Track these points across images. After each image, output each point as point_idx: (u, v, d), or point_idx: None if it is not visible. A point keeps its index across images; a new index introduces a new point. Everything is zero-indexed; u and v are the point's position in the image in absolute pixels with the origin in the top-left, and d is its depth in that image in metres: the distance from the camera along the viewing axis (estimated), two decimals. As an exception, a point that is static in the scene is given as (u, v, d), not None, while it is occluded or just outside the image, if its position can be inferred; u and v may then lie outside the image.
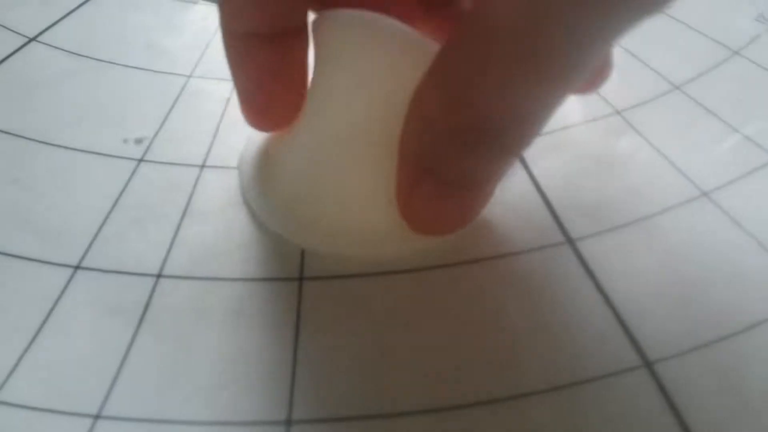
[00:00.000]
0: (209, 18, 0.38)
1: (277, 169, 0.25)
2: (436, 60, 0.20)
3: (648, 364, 0.20)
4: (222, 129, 0.29)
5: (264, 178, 0.26)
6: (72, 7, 0.37)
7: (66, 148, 0.28)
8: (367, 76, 0.23)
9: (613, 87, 0.26)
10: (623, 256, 0.24)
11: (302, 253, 0.24)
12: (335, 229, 0.24)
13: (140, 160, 0.27)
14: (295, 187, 0.25)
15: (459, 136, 0.20)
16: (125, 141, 0.28)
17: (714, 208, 0.25)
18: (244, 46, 0.23)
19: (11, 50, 0.33)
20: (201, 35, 0.36)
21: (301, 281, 0.23)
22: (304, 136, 0.24)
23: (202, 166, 0.28)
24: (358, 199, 0.24)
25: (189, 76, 0.33)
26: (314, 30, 0.24)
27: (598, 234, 0.25)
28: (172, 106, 0.30)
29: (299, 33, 0.24)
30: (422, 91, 0.20)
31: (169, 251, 0.24)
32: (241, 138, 0.29)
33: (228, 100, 0.31)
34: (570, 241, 0.24)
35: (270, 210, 0.25)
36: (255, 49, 0.23)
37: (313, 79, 0.24)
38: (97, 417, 0.19)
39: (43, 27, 0.35)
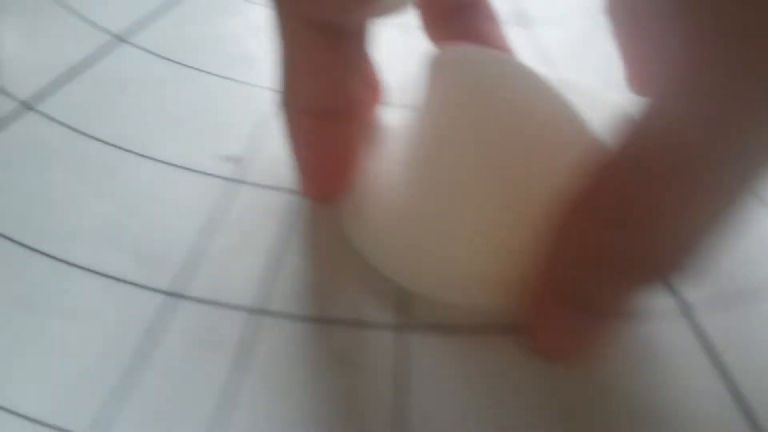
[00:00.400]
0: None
1: (385, 208, 0.24)
2: (593, 181, 0.18)
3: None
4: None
5: (370, 216, 0.25)
6: (161, 9, 0.36)
7: (158, 161, 0.27)
8: (489, 119, 0.22)
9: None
10: (742, 327, 0.22)
11: (406, 298, 0.23)
12: (443, 274, 0.23)
13: (235, 180, 0.27)
14: (404, 228, 0.24)
15: (617, 269, 0.19)
16: (219, 157, 0.28)
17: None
18: (303, 121, 0.24)
19: (101, 50, 0.33)
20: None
21: (403, 329, 0.22)
22: (418, 174, 0.24)
23: (297, 192, 0.27)
24: (470, 247, 0.23)
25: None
26: (432, 67, 0.23)
27: (714, 302, 0.23)
28: (265, 124, 0.30)
29: (354, 107, 0.24)
30: (577, 215, 0.19)
31: (266, 284, 0.23)
32: None
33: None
34: (685, 309, 0.23)
35: (376, 249, 0.24)
36: (316, 124, 0.24)
37: (423, 117, 0.24)
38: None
39: (134, 28, 0.35)
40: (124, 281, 0.23)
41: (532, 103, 0.22)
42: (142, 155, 0.28)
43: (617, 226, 0.18)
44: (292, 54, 0.23)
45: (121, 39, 0.34)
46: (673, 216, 0.17)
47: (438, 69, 0.23)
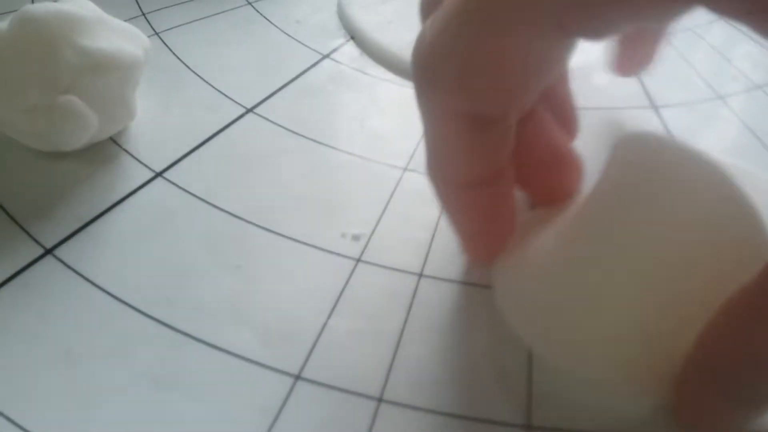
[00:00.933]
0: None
1: (543, 283, 0.24)
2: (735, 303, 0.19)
3: None
4: (438, 234, 0.28)
5: (527, 292, 0.24)
6: (287, 80, 0.37)
7: (285, 237, 0.27)
8: (660, 207, 0.21)
9: None
10: None
11: (529, 395, 0.22)
12: (598, 355, 0.22)
13: (358, 260, 0.27)
14: (563, 306, 0.23)
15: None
16: (343, 236, 0.28)
17: None
18: (454, 192, 0.24)
19: (230, 119, 0.33)
20: (416, 122, 0.35)
21: (529, 430, 0.21)
22: (582, 252, 0.23)
23: (420, 275, 0.26)
24: (627, 332, 0.22)
25: (404, 169, 0.32)
26: (613, 149, 0.22)
27: None
28: (388, 202, 0.29)
29: (508, 171, 0.24)
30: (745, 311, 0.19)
31: (389, 373, 0.23)
32: (456, 246, 0.27)
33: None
34: None
35: (530, 325, 0.23)
36: (467, 193, 0.24)
37: (595, 198, 0.23)
38: None
39: (260, 98, 0.35)
40: (249, 360, 0.23)
41: (707, 195, 0.21)
42: (267, 229, 0.28)
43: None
44: (439, 134, 0.23)
45: (248, 110, 0.34)
46: None
47: (618, 152, 0.23)
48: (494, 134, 0.22)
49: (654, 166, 0.22)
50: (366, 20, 0.42)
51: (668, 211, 0.21)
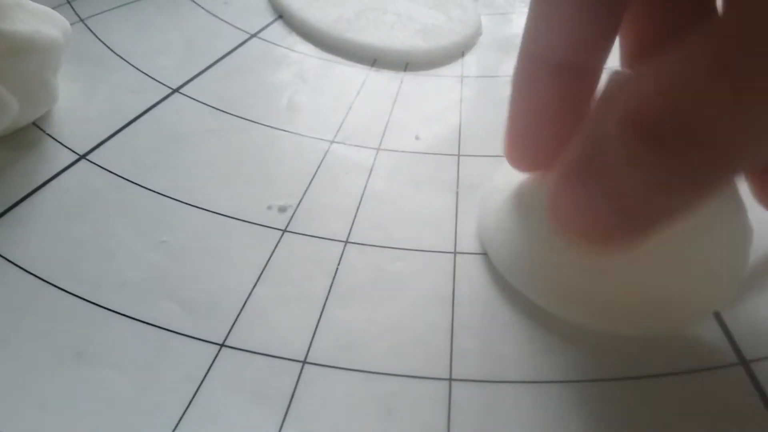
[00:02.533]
0: (353, 80, 0.37)
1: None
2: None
3: None
4: (365, 202, 0.28)
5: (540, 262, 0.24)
6: (214, 59, 0.37)
7: (211, 212, 0.27)
8: None
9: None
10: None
11: (451, 351, 0.23)
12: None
13: (284, 231, 0.27)
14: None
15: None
16: (269, 208, 0.28)
17: None
18: (536, 70, 0.22)
19: (155, 101, 0.33)
20: (343, 97, 0.35)
21: (451, 382, 0.22)
22: None
23: (345, 242, 0.27)
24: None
25: (331, 141, 0.32)
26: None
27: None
28: (315, 174, 0.30)
29: (594, 72, 0.22)
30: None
31: (314, 336, 0.23)
32: (384, 213, 0.28)
33: (370, 170, 0.30)
34: (744, 362, 0.22)
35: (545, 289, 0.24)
36: (548, 76, 0.22)
37: None
38: None
39: (186, 78, 0.35)
40: (174, 331, 0.23)
41: None
42: (193, 205, 0.28)
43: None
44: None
45: (174, 90, 0.34)
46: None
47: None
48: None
49: None
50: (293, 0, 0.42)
51: None
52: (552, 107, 0.22)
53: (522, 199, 0.25)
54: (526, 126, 0.23)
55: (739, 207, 0.22)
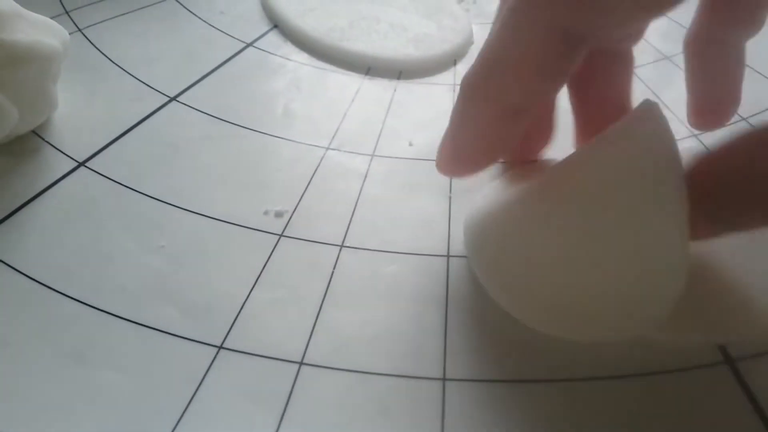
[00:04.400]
0: (347, 88, 0.38)
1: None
2: None
3: None
4: (360, 207, 0.29)
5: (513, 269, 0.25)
6: (211, 68, 0.37)
7: (208, 217, 0.28)
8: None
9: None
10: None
11: (444, 351, 0.23)
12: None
13: (280, 236, 0.27)
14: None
15: None
16: (266, 213, 0.28)
17: None
18: (489, 110, 0.23)
19: (153, 108, 0.34)
20: (337, 105, 0.36)
21: (445, 382, 0.22)
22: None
23: (341, 246, 0.27)
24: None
25: (326, 148, 0.32)
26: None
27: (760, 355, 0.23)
28: (311, 179, 0.30)
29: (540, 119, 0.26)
30: None
31: (310, 337, 0.23)
32: (379, 218, 0.29)
33: (365, 176, 0.31)
34: (729, 361, 0.23)
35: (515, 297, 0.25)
36: (500, 118, 0.23)
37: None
38: None
39: (183, 87, 0.36)
40: (172, 334, 0.23)
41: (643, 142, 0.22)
42: (190, 211, 0.28)
43: None
44: (516, 44, 0.22)
45: (171, 98, 0.35)
46: None
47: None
48: (574, 55, 0.22)
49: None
50: (289, 8, 0.43)
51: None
52: (490, 139, 0.24)
53: (499, 214, 0.26)
54: (462, 147, 0.25)
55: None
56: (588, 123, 0.29)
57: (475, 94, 0.23)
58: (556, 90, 0.23)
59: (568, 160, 0.25)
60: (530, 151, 0.30)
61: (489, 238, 0.26)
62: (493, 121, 0.23)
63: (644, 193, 0.22)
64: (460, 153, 0.25)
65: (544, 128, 0.29)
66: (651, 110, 0.23)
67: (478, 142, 0.24)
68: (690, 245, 0.21)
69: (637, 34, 0.28)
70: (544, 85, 0.22)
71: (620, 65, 0.29)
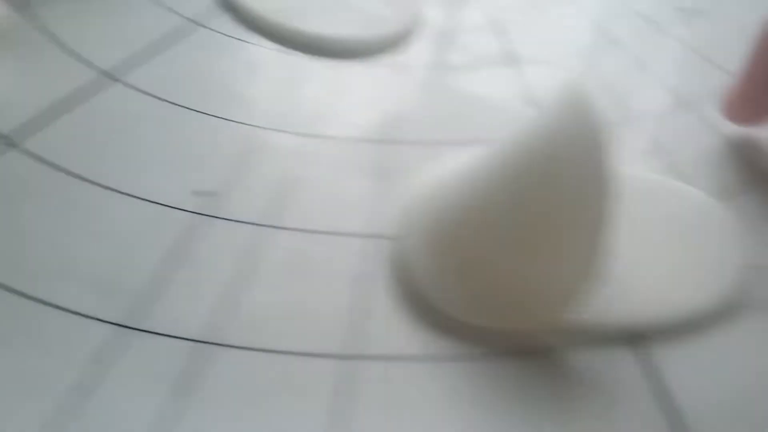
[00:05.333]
0: (294, 68, 0.37)
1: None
2: None
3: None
4: (291, 188, 0.29)
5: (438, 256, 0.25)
6: (155, 48, 0.37)
7: (133, 196, 0.28)
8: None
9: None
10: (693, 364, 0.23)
11: (356, 330, 0.23)
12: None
13: (207, 216, 0.27)
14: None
15: None
16: (194, 193, 0.28)
17: None
18: None
19: (91, 87, 0.33)
20: (282, 85, 0.36)
21: (352, 360, 0.22)
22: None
23: (268, 227, 0.27)
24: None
25: (266, 128, 0.32)
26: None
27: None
28: (247, 160, 0.30)
29: None
30: None
31: (222, 316, 0.23)
32: (311, 198, 0.29)
33: (303, 156, 0.31)
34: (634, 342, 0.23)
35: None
36: None
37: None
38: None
39: (125, 66, 0.35)
40: (79, 313, 0.23)
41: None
42: (118, 191, 0.28)
43: None
44: None
45: (111, 77, 0.34)
46: None
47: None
48: None
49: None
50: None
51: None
52: None
53: (435, 199, 0.26)
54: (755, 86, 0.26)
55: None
56: None
57: None
58: None
59: (502, 147, 0.25)
60: None
61: (423, 222, 0.26)
62: None
63: (565, 186, 0.21)
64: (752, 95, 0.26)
65: None
66: (578, 97, 0.22)
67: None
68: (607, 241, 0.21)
69: None
70: None
71: None
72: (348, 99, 0.35)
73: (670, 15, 0.45)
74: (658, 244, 0.26)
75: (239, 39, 0.39)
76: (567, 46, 0.43)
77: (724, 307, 0.24)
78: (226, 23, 0.41)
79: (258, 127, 0.32)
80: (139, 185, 0.28)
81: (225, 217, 0.27)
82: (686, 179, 0.30)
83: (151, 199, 0.28)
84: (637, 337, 0.24)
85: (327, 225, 0.27)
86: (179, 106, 0.33)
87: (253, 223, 0.27)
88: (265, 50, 0.39)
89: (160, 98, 0.34)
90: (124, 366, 0.22)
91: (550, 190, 0.22)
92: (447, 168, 0.27)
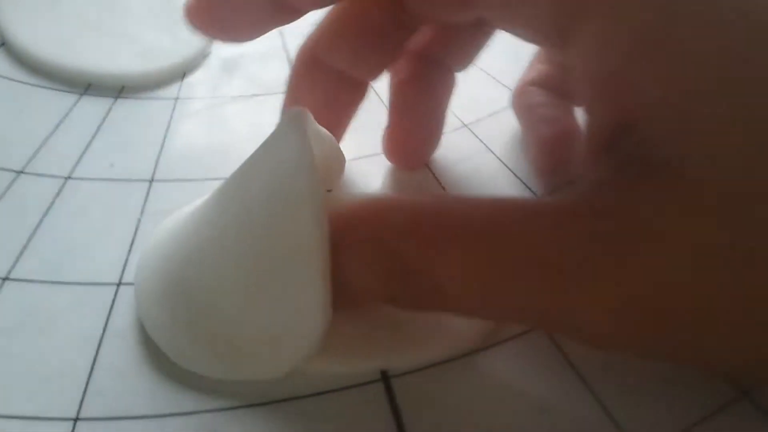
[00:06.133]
0: (58, 106, 0.36)
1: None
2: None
3: None
4: (36, 236, 0.27)
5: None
6: None
7: None
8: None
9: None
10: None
11: (84, 391, 0.22)
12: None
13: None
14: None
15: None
16: None
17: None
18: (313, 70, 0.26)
19: None
20: (39, 126, 0.34)
21: (76, 422, 0.21)
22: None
23: (4, 279, 0.25)
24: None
25: (18, 172, 0.31)
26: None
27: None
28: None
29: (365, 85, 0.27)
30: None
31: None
32: (57, 246, 0.27)
33: (52, 201, 0.29)
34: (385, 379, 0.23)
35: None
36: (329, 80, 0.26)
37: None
38: None
39: None
40: None
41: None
42: None
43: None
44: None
45: None
46: None
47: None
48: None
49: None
50: (20, 24, 0.40)
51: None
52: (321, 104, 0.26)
53: (168, 241, 0.25)
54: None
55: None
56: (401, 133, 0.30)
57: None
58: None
59: (229, 179, 0.24)
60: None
61: (153, 264, 0.25)
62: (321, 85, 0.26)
63: (282, 222, 0.21)
64: None
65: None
66: (297, 120, 0.22)
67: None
68: None
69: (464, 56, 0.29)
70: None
71: (443, 84, 0.30)
72: (113, 138, 0.34)
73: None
74: None
75: (10, 78, 0.37)
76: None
77: (479, 341, 0.24)
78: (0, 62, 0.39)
79: (9, 170, 0.30)
80: None
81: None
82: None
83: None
84: (387, 375, 0.23)
85: (71, 274, 0.26)
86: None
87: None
88: (31, 87, 0.37)
89: None
90: None
91: (263, 226, 0.21)
92: (187, 207, 0.26)
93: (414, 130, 0.30)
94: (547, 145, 0.30)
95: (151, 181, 0.31)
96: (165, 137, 0.34)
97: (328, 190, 0.29)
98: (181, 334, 0.23)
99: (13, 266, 0.26)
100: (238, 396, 0.22)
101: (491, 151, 0.33)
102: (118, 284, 0.26)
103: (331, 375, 0.23)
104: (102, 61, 0.38)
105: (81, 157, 0.32)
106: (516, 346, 0.24)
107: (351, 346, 0.23)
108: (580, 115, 0.31)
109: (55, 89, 0.37)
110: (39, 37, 0.39)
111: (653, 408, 0.21)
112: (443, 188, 0.31)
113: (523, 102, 0.31)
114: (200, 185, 0.30)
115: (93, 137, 0.34)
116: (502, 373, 0.24)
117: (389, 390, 0.23)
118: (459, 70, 0.29)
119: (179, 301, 0.23)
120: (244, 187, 0.22)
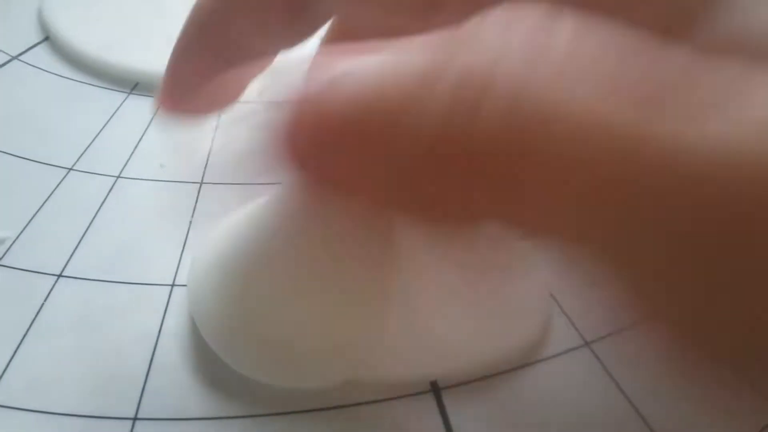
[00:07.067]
0: (107, 104, 0.36)
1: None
2: None
3: None
4: (90, 234, 0.28)
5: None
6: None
7: None
8: None
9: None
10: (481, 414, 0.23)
11: (142, 391, 0.22)
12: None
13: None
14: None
15: None
16: (-15, 240, 0.27)
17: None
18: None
19: None
20: (92, 123, 0.35)
21: (135, 421, 0.22)
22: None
23: (59, 276, 0.26)
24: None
25: (69, 169, 0.31)
26: None
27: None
28: (44, 204, 0.29)
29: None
30: None
31: (2, 375, 0.22)
32: (110, 245, 0.28)
33: (104, 200, 0.30)
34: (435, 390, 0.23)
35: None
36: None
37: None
38: None
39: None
40: None
41: None
42: None
43: None
44: None
45: None
46: None
47: None
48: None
49: None
50: (62, 19, 0.41)
51: None
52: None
53: (222, 248, 0.25)
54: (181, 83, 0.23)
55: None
56: None
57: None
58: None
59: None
60: None
61: (209, 267, 0.25)
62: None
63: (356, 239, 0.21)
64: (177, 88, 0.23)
65: None
66: None
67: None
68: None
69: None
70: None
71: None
72: (163, 138, 0.34)
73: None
74: (463, 290, 0.26)
75: (55, 74, 0.38)
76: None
77: (528, 354, 0.25)
78: (47, 58, 0.39)
79: (60, 167, 0.31)
80: None
81: (14, 266, 0.26)
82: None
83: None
84: (438, 386, 0.23)
85: (127, 274, 0.26)
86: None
87: (43, 273, 0.26)
88: (82, 85, 0.37)
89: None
90: None
91: (336, 239, 0.21)
92: (242, 210, 0.27)
93: None
94: None
95: (201, 183, 0.31)
96: (213, 140, 0.34)
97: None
98: (237, 337, 0.23)
99: (67, 263, 0.26)
100: (291, 401, 0.22)
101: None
102: (172, 285, 0.26)
103: (382, 385, 0.23)
104: (148, 60, 0.38)
105: (130, 156, 0.33)
106: (562, 362, 0.25)
107: (401, 357, 0.23)
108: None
109: (102, 87, 0.38)
110: (84, 34, 0.40)
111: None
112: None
113: None
114: (250, 189, 0.30)
115: (141, 137, 0.34)
116: (548, 388, 0.24)
117: (439, 400, 0.23)
118: None
119: (237, 305, 0.23)
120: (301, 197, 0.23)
